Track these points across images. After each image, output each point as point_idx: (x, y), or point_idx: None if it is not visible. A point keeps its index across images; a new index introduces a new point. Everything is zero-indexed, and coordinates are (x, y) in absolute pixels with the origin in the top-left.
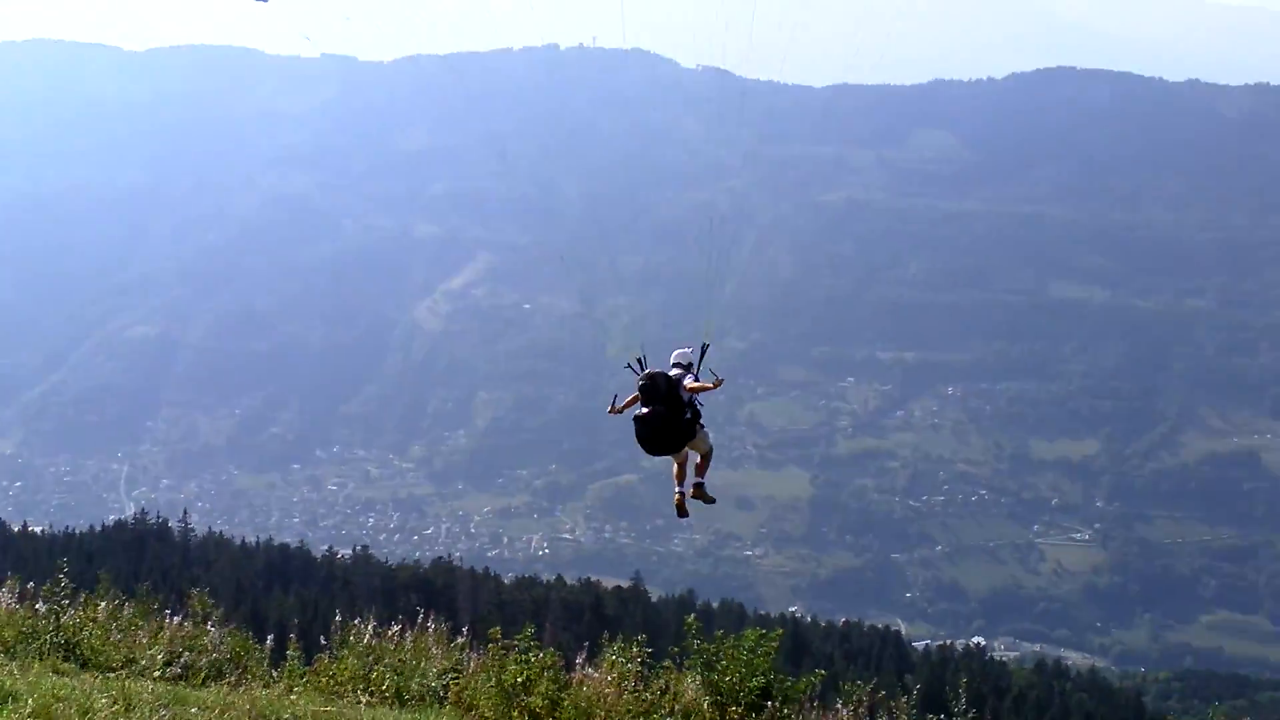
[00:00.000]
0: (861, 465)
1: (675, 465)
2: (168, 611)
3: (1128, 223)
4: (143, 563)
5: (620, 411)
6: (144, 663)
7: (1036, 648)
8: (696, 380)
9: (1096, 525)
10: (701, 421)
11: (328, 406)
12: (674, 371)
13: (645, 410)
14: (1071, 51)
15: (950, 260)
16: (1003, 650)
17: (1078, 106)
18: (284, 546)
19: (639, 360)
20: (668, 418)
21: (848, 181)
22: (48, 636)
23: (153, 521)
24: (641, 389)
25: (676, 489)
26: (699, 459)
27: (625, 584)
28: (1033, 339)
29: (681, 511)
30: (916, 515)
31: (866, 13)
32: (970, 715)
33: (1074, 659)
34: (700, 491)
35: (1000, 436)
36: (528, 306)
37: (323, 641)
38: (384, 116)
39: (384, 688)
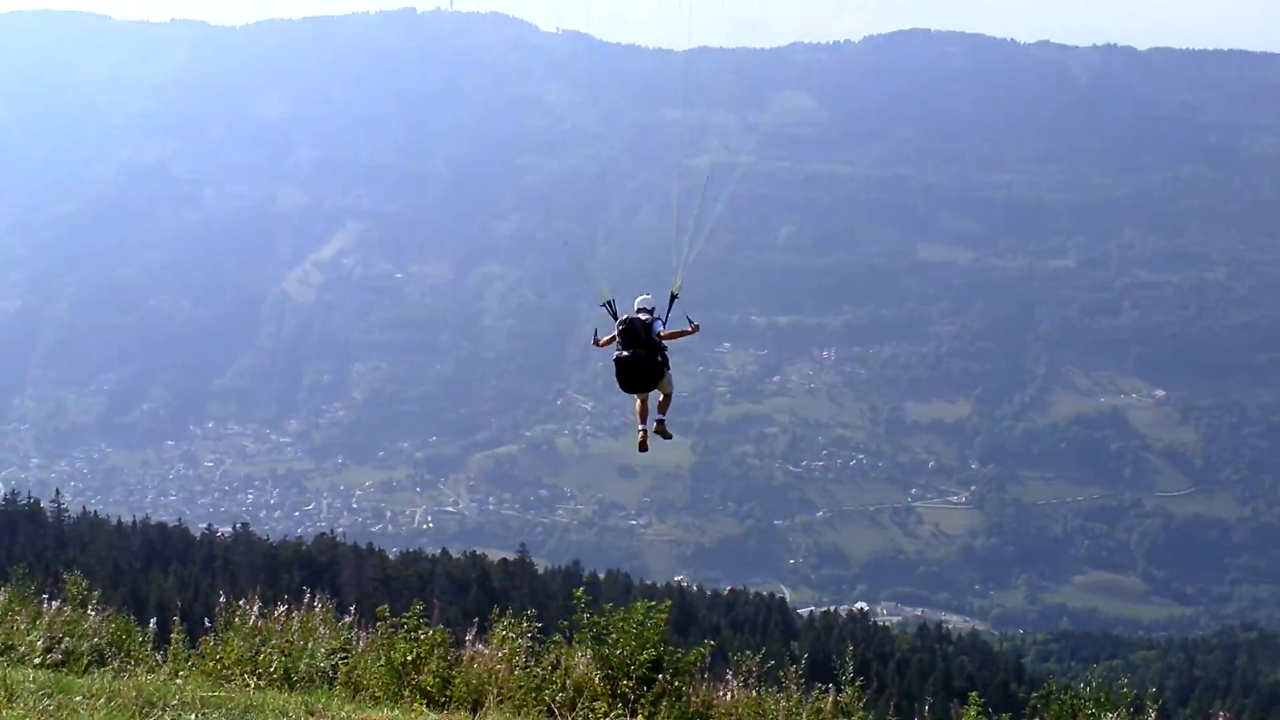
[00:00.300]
0: (741, 431)
1: (639, 403)
2: (44, 595)
3: (987, 184)
4: (15, 545)
5: (601, 345)
6: (23, 650)
7: (918, 612)
8: (665, 327)
9: (972, 488)
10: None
11: (199, 381)
12: (643, 317)
13: (626, 353)
14: (925, 14)
15: (818, 224)
16: (886, 615)
17: (934, 68)
18: (161, 525)
19: (609, 303)
20: (646, 360)
21: (712, 145)
22: None
23: (23, 502)
24: (622, 333)
25: (640, 426)
26: (661, 398)
27: (511, 556)
28: (902, 301)
29: (643, 448)
30: (797, 481)
31: None
32: (857, 682)
33: (955, 622)
34: (661, 427)
35: (875, 400)
36: (400, 275)
37: (207, 623)
38: (239, 83)
39: (272, 669)
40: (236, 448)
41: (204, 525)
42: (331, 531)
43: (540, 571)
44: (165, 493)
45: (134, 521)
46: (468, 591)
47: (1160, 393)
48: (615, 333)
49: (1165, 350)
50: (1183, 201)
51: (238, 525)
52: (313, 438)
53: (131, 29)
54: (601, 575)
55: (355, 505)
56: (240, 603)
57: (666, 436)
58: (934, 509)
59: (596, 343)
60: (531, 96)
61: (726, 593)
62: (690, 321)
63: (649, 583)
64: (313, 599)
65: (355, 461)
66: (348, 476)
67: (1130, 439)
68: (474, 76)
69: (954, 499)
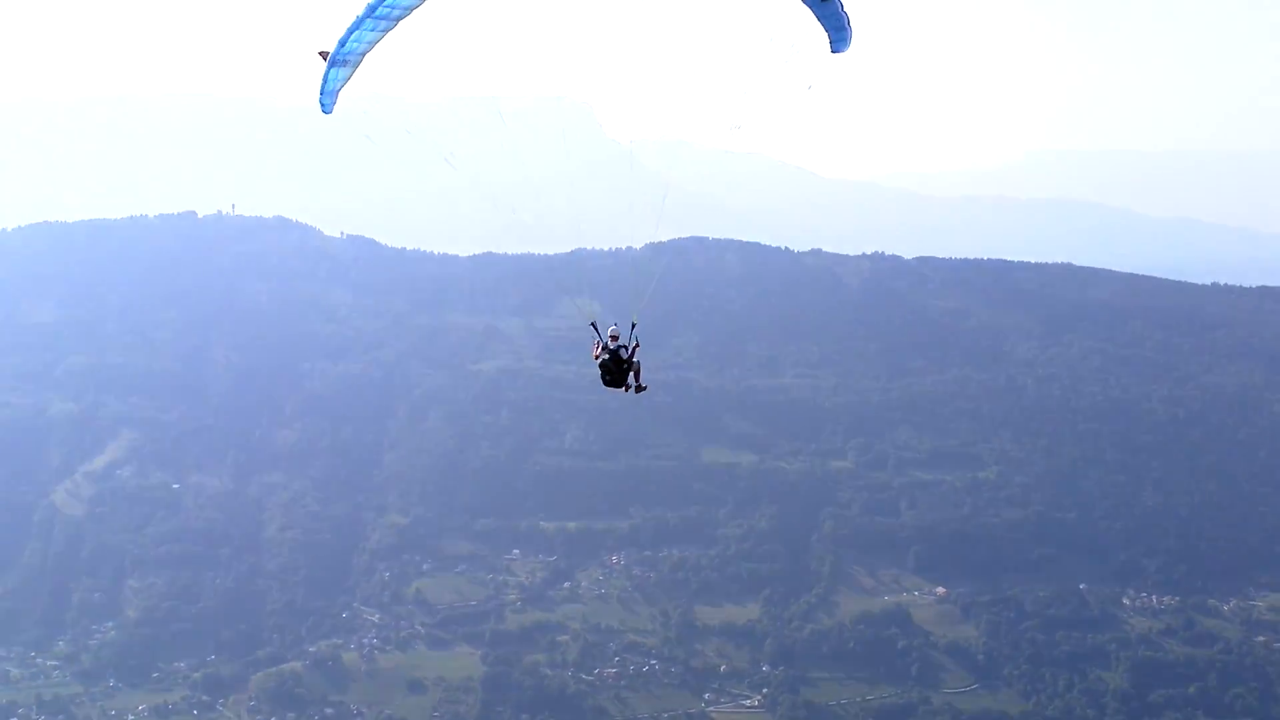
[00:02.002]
0: (532, 640)
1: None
2: None
3: (768, 387)
4: None
5: (596, 358)
6: None
7: None
8: (630, 351)
9: (764, 690)
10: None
11: None
12: (614, 345)
13: (608, 377)
14: (702, 223)
15: (604, 428)
16: None
17: (712, 274)
18: None
19: (594, 325)
20: (622, 374)
21: (499, 350)
22: None
23: None
24: (603, 365)
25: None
26: (634, 374)
27: None
28: (689, 504)
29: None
30: (590, 689)
31: (506, 186)
32: None
33: None
34: (639, 387)
35: (666, 604)
36: (177, 486)
37: None
38: (9, 287)
39: None
40: None
41: None
42: None
43: None
44: None
45: None
46: None
47: (941, 590)
48: (600, 352)
49: (944, 548)
50: (953, 403)
51: None
52: (82, 660)
53: None
54: None
55: None
56: None
57: (643, 389)
58: (727, 714)
59: (595, 356)
60: (316, 301)
61: None
62: (635, 346)
63: None
64: None
65: (128, 684)
66: (119, 701)
67: (915, 636)
68: (256, 281)
69: (746, 702)
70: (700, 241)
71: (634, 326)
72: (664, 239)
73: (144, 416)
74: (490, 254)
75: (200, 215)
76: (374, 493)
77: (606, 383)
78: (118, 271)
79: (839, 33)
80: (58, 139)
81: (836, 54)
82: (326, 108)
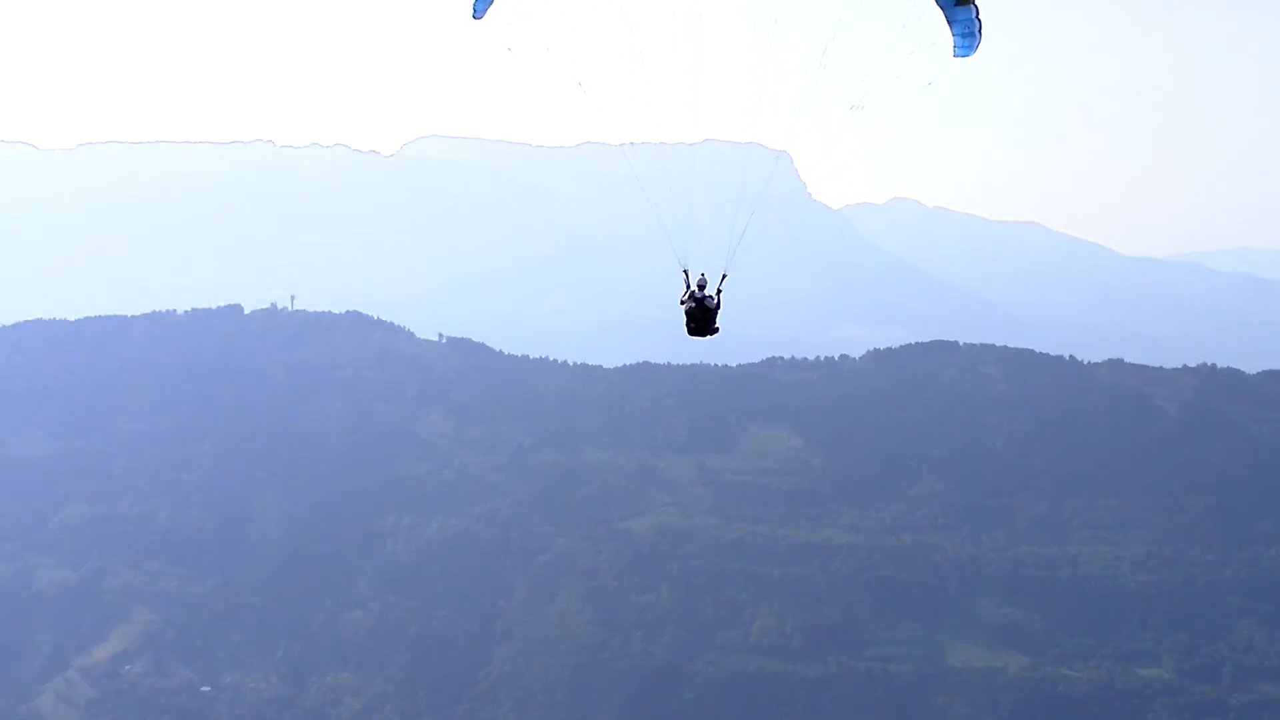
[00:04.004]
0: None
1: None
2: None
3: (1045, 558)
4: None
5: (683, 304)
6: None
7: None
8: (713, 299)
9: None
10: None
11: None
12: (700, 293)
13: (693, 324)
14: (949, 321)
15: (807, 613)
16: None
17: (965, 393)
18: None
19: (685, 271)
20: (708, 322)
21: (658, 500)
22: None
23: None
24: (689, 313)
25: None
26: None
27: None
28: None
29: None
30: None
31: (661, 271)
32: None
33: None
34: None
35: None
36: (208, 689)
37: None
38: None
39: None
40: None
41: None
42: None
43: None
44: None
45: None
46: None
47: None
48: (687, 299)
49: None
50: None
51: None
52: None
53: None
54: None
55: None
56: None
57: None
58: None
59: (681, 301)
60: (403, 429)
61: None
62: (719, 291)
63: None
64: None
65: None
66: None
67: None
68: (321, 400)
69: None
70: (948, 348)
71: (723, 279)
72: (892, 343)
73: (164, 590)
74: (646, 364)
75: (247, 310)
76: (478, 702)
77: (691, 331)
78: (132, 387)
79: (967, 39)
80: (60, 211)
81: (959, 58)
82: (479, 11)
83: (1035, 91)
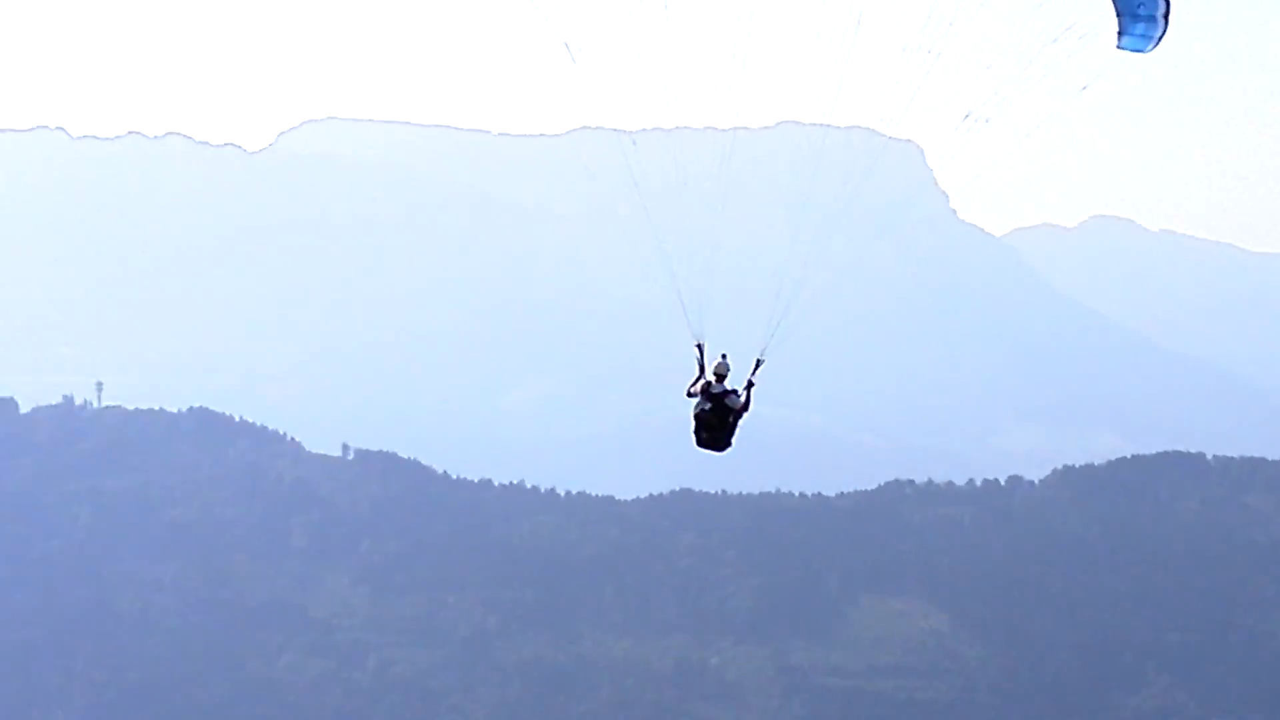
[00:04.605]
0: None
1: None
2: None
3: None
4: None
5: (689, 396)
6: None
7: None
8: (738, 398)
9: None
10: (741, 410)
11: None
12: (717, 388)
13: (705, 433)
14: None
15: None
16: None
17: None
18: None
19: (698, 347)
20: (725, 431)
21: None
22: None
23: None
24: (700, 415)
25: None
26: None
27: None
28: None
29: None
30: None
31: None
32: None
33: None
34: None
35: None
36: None
37: None
38: None
39: None
40: None
41: None
42: None
43: None
44: None
45: None
46: None
47: None
48: (699, 395)
49: None
50: None
51: None
52: None
53: None
54: None
55: None
56: None
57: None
58: None
59: (689, 393)
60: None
61: None
62: (750, 385)
63: None
64: None
65: None
66: None
67: None
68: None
69: None
70: (1189, 463)
71: (758, 366)
72: (1092, 458)
73: None
74: (686, 492)
75: (23, 406)
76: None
77: (701, 441)
78: None
79: (1150, 25)
80: None
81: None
82: None
83: None
